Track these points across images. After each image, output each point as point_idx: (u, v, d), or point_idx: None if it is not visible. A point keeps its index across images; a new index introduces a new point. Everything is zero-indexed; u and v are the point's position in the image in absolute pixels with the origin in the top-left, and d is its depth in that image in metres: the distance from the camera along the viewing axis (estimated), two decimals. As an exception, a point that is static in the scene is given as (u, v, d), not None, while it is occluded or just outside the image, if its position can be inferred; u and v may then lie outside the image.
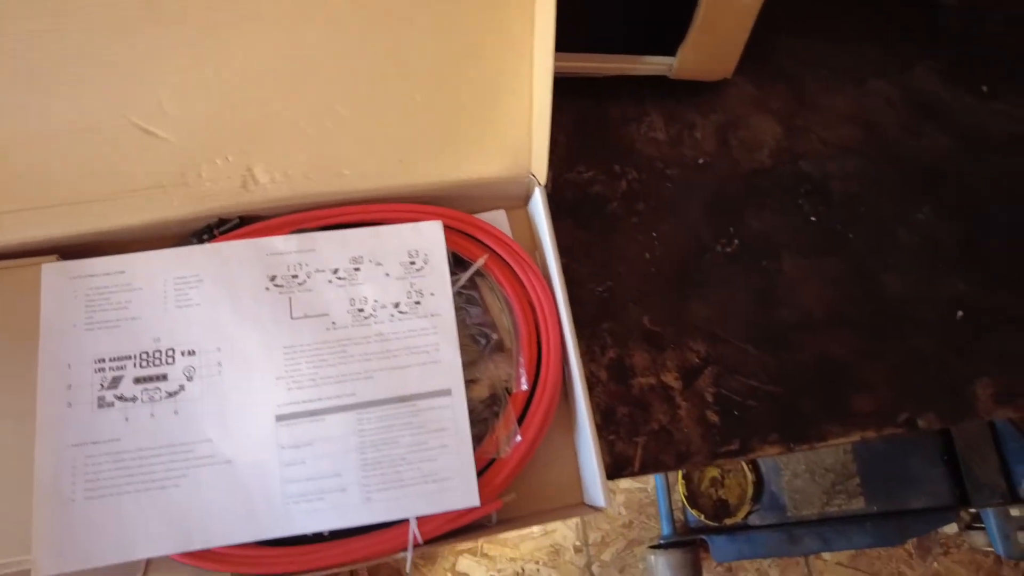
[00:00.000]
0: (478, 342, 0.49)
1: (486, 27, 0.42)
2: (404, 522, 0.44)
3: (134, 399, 0.42)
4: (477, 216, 0.52)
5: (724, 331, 0.54)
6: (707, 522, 1.07)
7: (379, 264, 0.47)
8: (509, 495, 0.46)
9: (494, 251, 0.51)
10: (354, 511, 0.42)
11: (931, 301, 0.57)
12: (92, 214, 0.46)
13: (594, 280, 0.54)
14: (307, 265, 0.46)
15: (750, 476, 1.11)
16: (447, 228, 0.51)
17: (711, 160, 0.59)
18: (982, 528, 1.12)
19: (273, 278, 0.45)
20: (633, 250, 0.55)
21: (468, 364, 0.48)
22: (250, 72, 0.42)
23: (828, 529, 1.07)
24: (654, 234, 0.56)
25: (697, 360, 0.53)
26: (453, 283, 0.49)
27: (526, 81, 0.45)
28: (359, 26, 0.41)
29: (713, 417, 0.52)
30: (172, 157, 0.45)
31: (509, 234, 0.52)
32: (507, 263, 0.51)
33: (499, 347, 0.50)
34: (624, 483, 1.17)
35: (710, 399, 0.52)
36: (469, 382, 0.49)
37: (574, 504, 0.48)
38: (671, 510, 1.10)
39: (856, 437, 0.55)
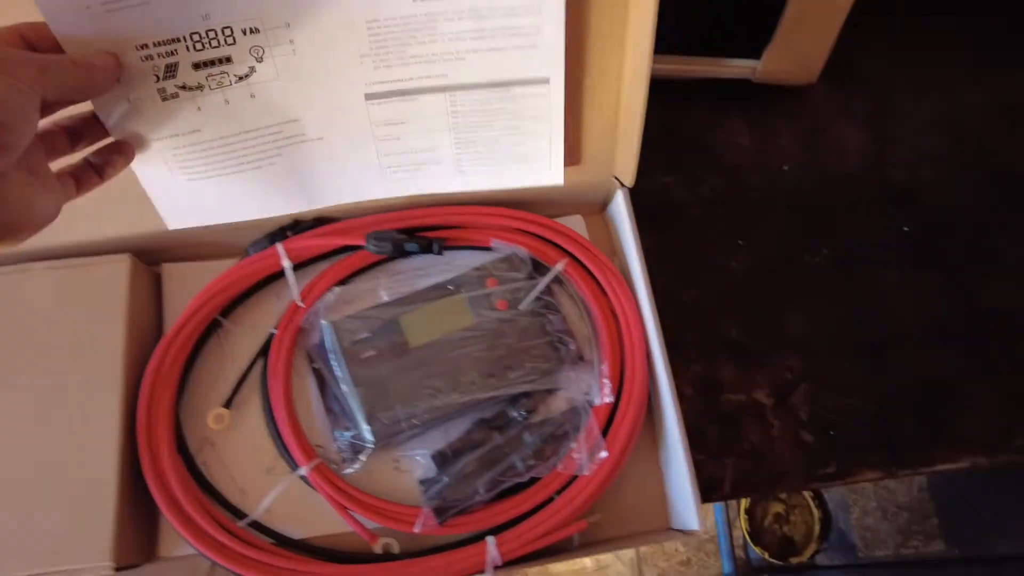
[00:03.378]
0: (557, 350, 0.46)
1: (581, 27, 0.40)
2: (481, 542, 0.41)
3: (200, 87, 0.37)
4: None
5: (817, 345, 0.50)
6: (771, 560, 1.01)
7: None
8: (593, 516, 0.43)
9: (573, 256, 0.48)
10: (448, 179, 0.44)
11: (1043, 317, 0.52)
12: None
13: (676, 288, 0.51)
14: None
15: (816, 512, 1.04)
16: (524, 233, 0.49)
17: (796, 167, 0.56)
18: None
19: None
20: (717, 258, 0.52)
21: (546, 374, 0.45)
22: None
23: (904, 574, 1.00)
24: (740, 242, 0.53)
25: (790, 376, 0.49)
26: (530, 288, 0.47)
27: (614, 83, 0.43)
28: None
29: (808, 437, 0.48)
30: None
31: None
32: (587, 268, 0.48)
33: (578, 357, 0.47)
34: (680, 517, 1.11)
35: (804, 418, 0.49)
36: (546, 393, 0.46)
37: (660, 528, 0.45)
38: (732, 547, 1.04)
39: (965, 464, 0.50)
